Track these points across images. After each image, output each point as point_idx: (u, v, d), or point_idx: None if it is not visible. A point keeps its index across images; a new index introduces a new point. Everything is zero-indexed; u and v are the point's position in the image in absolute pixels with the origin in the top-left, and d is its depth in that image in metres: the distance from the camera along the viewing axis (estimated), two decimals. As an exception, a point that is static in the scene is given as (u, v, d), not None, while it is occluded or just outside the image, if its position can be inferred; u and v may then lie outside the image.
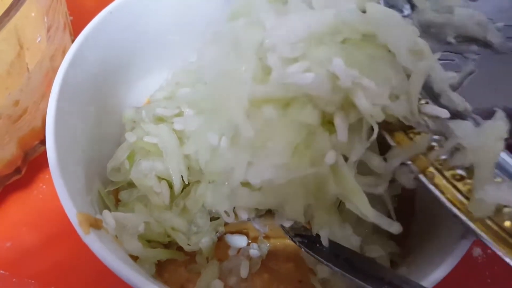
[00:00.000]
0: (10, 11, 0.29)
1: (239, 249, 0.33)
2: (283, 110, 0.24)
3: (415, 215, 0.32)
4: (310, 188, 0.25)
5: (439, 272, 0.24)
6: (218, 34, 0.27)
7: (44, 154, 0.40)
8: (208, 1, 0.36)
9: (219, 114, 0.26)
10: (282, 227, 0.31)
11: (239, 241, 0.32)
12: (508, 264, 0.21)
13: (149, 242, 0.31)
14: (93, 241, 0.23)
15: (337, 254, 0.28)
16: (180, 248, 0.31)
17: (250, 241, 0.33)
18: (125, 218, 0.27)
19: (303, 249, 0.29)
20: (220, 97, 0.25)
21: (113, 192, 0.33)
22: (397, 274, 0.25)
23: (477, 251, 0.37)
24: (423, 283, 0.24)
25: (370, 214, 0.25)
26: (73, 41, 0.42)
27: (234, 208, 0.29)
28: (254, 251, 0.32)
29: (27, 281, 0.35)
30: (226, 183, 0.26)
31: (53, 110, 0.28)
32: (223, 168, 0.26)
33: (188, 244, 0.30)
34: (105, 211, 0.27)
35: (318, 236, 0.29)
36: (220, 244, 0.33)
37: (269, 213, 0.31)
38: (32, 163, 0.39)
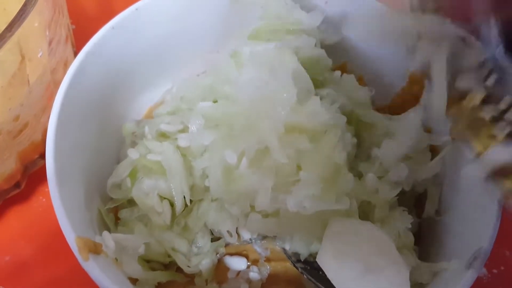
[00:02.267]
0: (13, 26, 0.28)
1: (238, 272, 0.32)
2: (314, 142, 0.25)
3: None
4: (325, 223, 0.26)
5: None
6: (253, 55, 0.28)
7: (44, 167, 0.40)
8: (209, 15, 0.36)
9: (246, 134, 0.26)
10: (285, 251, 0.31)
11: (239, 263, 0.32)
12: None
13: (148, 262, 0.30)
14: (92, 268, 0.23)
15: None
16: (179, 269, 0.31)
17: (250, 263, 0.32)
18: (125, 240, 0.27)
19: (305, 276, 0.29)
20: (254, 117, 0.25)
21: (113, 209, 0.32)
22: None
23: (482, 271, 0.37)
24: None
25: None
26: (75, 52, 0.42)
27: (236, 228, 0.28)
28: (254, 274, 0.31)
29: None
30: (235, 205, 0.26)
31: (54, 125, 0.28)
32: (242, 189, 0.26)
33: (188, 266, 0.30)
34: (105, 233, 0.27)
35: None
36: (219, 266, 0.32)
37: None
38: (32, 176, 0.39)
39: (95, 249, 0.24)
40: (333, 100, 0.30)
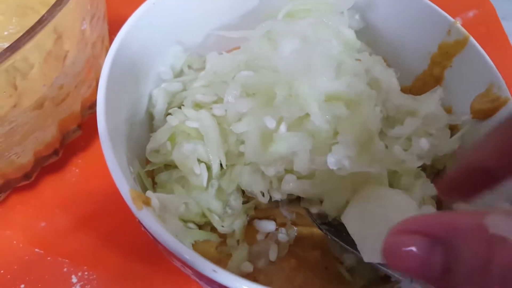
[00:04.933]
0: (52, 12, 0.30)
1: (267, 234, 0.34)
2: (350, 110, 0.27)
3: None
4: (356, 186, 0.27)
5: None
6: (291, 28, 0.30)
7: (78, 139, 0.42)
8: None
9: (288, 101, 0.27)
10: (309, 214, 0.32)
11: (268, 226, 0.33)
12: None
13: (185, 222, 0.32)
14: (146, 216, 0.24)
15: None
16: (212, 230, 0.32)
17: (277, 226, 0.34)
18: (167, 199, 0.28)
19: (329, 237, 0.30)
20: (296, 85, 0.27)
21: (150, 174, 0.34)
22: None
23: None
24: None
25: None
26: (108, 30, 0.44)
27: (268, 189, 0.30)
28: (282, 235, 0.33)
29: (61, 260, 0.36)
30: (271, 167, 0.28)
31: (104, 86, 0.29)
32: (281, 151, 0.27)
33: (222, 226, 0.32)
34: (149, 192, 0.28)
35: (344, 225, 0.30)
36: (249, 228, 0.34)
37: (296, 199, 0.33)
38: (67, 147, 0.41)
39: (147, 202, 0.25)
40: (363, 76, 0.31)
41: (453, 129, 0.35)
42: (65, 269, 0.35)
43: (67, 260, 0.36)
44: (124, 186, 0.24)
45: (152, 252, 0.36)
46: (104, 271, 0.35)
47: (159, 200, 0.28)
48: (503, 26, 0.54)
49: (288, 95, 0.27)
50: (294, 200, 0.33)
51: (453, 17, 0.36)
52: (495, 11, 0.55)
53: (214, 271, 0.21)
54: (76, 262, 0.36)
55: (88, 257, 0.36)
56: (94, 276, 0.35)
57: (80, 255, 0.36)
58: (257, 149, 0.29)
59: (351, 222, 0.27)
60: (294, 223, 0.34)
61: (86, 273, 0.35)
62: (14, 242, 0.36)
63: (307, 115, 0.27)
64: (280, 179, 0.30)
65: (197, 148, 0.31)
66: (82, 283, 0.35)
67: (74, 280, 0.35)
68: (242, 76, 0.31)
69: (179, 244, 0.22)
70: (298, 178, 0.29)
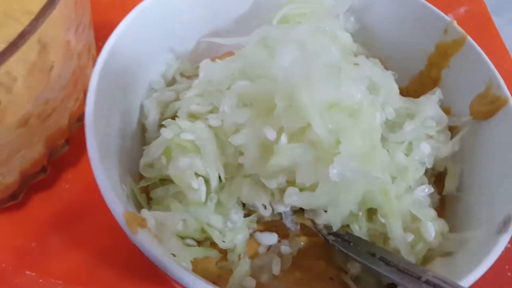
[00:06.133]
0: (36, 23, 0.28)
1: (269, 247, 0.33)
2: (353, 118, 0.26)
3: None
4: (359, 197, 0.27)
5: (479, 271, 0.24)
6: (288, 36, 0.28)
7: (67, 154, 0.40)
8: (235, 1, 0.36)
9: (288, 111, 0.26)
10: (315, 225, 0.31)
11: (270, 238, 0.33)
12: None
13: (183, 238, 0.31)
14: (142, 241, 0.23)
15: (373, 253, 0.28)
16: (212, 245, 0.31)
17: (279, 238, 0.33)
18: (164, 217, 0.27)
19: (336, 248, 0.30)
20: (296, 94, 0.26)
21: (144, 190, 0.33)
22: (435, 273, 0.26)
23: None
24: (462, 283, 0.24)
25: (395, 236, 0.28)
26: (95, 37, 0.42)
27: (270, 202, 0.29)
28: (285, 247, 0.32)
29: (54, 281, 0.34)
30: (272, 180, 0.27)
31: (93, 100, 0.28)
32: (282, 164, 0.26)
33: (223, 241, 0.31)
34: (144, 210, 0.27)
35: (350, 235, 0.30)
36: (250, 241, 0.33)
37: (300, 210, 0.32)
38: (55, 162, 0.39)
39: (141, 223, 0.24)
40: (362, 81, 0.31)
41: (452, 130, 0.35)
42: (58, 292, 0.34)
43: (60, 282, 0.34)
44: (118, 208, 0.23)
45: (150, 269, 0.34)
46: (98, 292, 0.34)
47: (155, 218, 0.27)
48: (493, 21, 0.54)
49: (288, 105, 0.26)
50: (297, 211, 0.32)
51: (445, 14, 0.35)
52: (486, 7, 0.55)
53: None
54: (70, 283, 0.34)
55: (83, 277, 0.35)
56: (88, 297, 0.34)
57: (74, 276, 0.35)
58: (257, 161, 0.28)
59: None
60: (297, 235, 0.33)
61: (80, 294, 0.34)
62: (3, 265, 0.35)
63: (309, 125, 0.26)
64: (282, 191, 0.29)
65: (194, 162, 0.30)
66: (76, 305, 0.33)
67: (69, 303, 0.33)
68: (238, 86, 0.30)
69: (178, 267, 0.21)
70: (301, 190, 0.28)
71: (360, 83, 0.28)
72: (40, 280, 0.34)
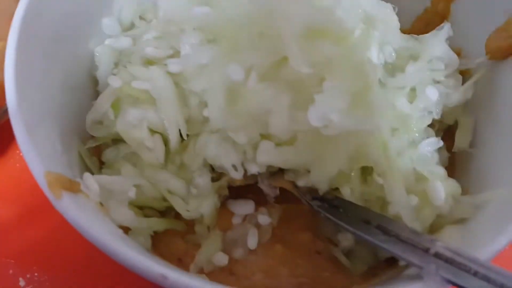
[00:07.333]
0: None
1: (245, 217, 0.29)
2: (341, 48, 0.22)
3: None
4: (350, 151, 0.23)
5: (501, 241, 0.20)
6: None
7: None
8: None
9: (258, 43, 0.22)
10: (297, 188, 0.28)
11: (245, 206, 0.29)
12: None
13: (142, 209, 0.27)
14: (67, 207, 0.19)
15: (367, 221, 0.24)
16: (177, 216, 0.28)
17: (257, 206, 0.30)
18: (111, 182, 0.24)
19: (324, 216, 0.26)
20: (267, 20, 0.21)
21: (96, 152, 0.29)
22: (446, 243, 0.22)
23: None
24: (480, 255, 0.20)
25: (396, 200, 0.24)
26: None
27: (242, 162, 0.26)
28: (263, 217, 0.29)
29: (6, 260, 0.32)
30: (241, 132, 0.23)
31: (13, 56, 0.24)
32: (251, 110, 0.22)
33: (187, 210, 0.27)
34: (86, 174, 0.24)
35: (340, 200, 0.26)
36: (222, 211, 0.30)
37: (279, 172, 0.28)
38: (3, 127, 0.35)
39: (70, 187, 0.20)
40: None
41: (464, 74, 0.31)
42: (10, 271, 0.32)
43: (12, 261, 0.33)
44: (37, 168, 0.19)
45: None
46: (57, 272, 0.32)
47: (100, 183, 0.23)
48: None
49: (258, 34, 0.22)
50: (276, 172, 0.29)
51: None
52: None
53: (164, 276, 0.16)
54: (23, 262, 0.32)
55: (38, 257, 0.33)
56: (46, 277, 0.32)
57: (28, 255, 0.33)
58: (223, 109, 0.24)
59: None
60: (277, 201, 0.29)
61: (36, 274, 0.32)
62: None
63: (285, 59, 0.21)
64: (255, 148, 0.25)
65: (147, 115, 0.26)
66: (31, 286, 0.32)
67: (22, 283, 0.32)
68: (197, 15, 0.24)
69: (114, 241, 0.17)
70: (277, 145, 0.24)
71: (352, 7, 0.23)
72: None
